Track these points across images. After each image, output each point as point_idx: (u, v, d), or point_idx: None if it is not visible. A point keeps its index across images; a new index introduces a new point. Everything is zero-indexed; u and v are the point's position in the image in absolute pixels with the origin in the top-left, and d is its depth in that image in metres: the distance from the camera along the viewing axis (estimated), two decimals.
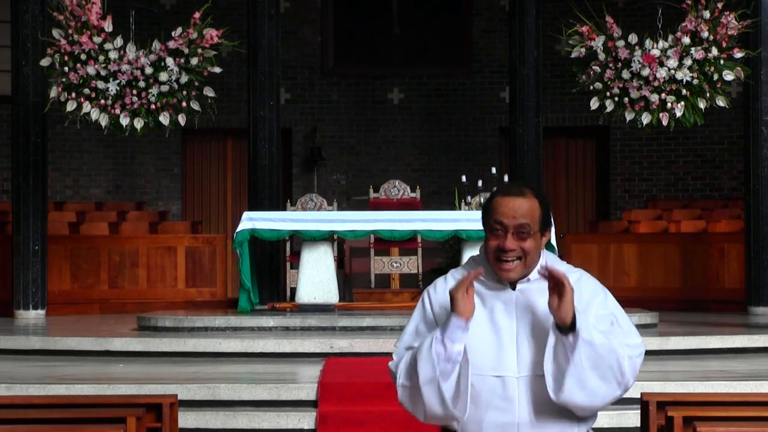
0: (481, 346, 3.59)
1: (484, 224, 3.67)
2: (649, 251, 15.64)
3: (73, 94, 11.80)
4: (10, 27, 14.16)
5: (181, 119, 11.93)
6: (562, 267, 3.69)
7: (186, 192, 18.49)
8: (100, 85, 11.78)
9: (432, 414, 3.62)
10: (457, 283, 3.56)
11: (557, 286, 3.51)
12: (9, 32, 14.31)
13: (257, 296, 12.62)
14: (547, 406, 3.58)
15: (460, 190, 13.78)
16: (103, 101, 11.80)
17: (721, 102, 11.88)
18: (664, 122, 11.81)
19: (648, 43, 11.90)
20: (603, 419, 7.67)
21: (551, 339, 3.53)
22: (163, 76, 11.78)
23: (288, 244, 14.71)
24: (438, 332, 3.56)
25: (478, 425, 3.60)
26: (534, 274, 3.65)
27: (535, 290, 3.62)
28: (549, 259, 3.69)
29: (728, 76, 11.81)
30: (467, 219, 11.93)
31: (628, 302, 10.60)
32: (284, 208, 14.59)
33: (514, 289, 3.66)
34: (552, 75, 17.60)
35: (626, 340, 3.63)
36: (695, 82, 11.78)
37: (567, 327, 3.51)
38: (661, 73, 11.75)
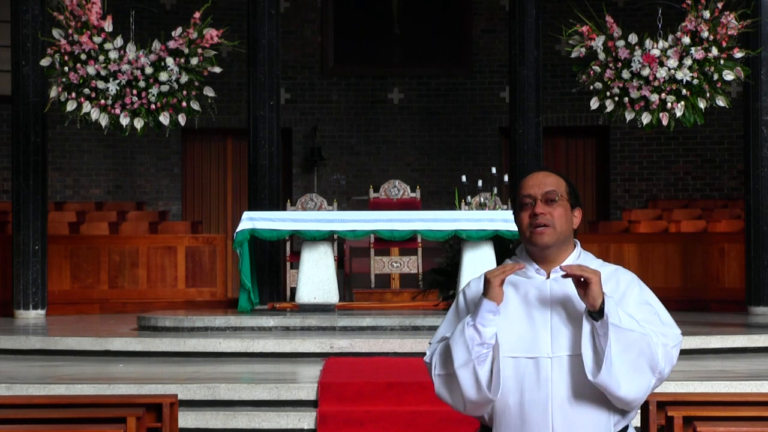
0: (515, 329, 3.63)
1: (515, 208, 3.75)
2: (649, 251, 15.64)
3: (73, 94, 11.80)
4: (10, 27, 14.16)
5: (181, 119, 11.93)
6: (594, 263, 3.74)
7: (186, 192, 18.49)
8: (100, 85, 11.78)
9: (468, 398, 3.63)
10: (495, 268, 3.61)
11: (580, 279, 3.56)
12: (9, 32, 14.31)
13: (257, 296, 12.62)
14: (581, 387, 3.59)
15: (460, 190, 13.78)
16: (103, 101, 11.80)
17: (721, 102, 11.88)
18: (664, 122, 11.81)
19: (648, 43, 11.90)
20: None
21: (586, 326, 3.57)
22: (163, 76, 11.78)
23: (288, 244, 14.71)
24: (469, 318, 3.61)
25: (512, 408, 3.62)
26: (566, 263, 3.70)
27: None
28: (582, 256, 3.75)
29: (728, 76, 11.81)
30: (467, 219, 11.92)
31: None
32: (284, 208, 14.59)
33: (547, 278, 3.70)
34: (552, 75, 17.60)
35: (663, 329, 3.66)
36: (695, 82, 11.78)
37: (597, 312, 3.55)
38: (661, 73, 11.75)
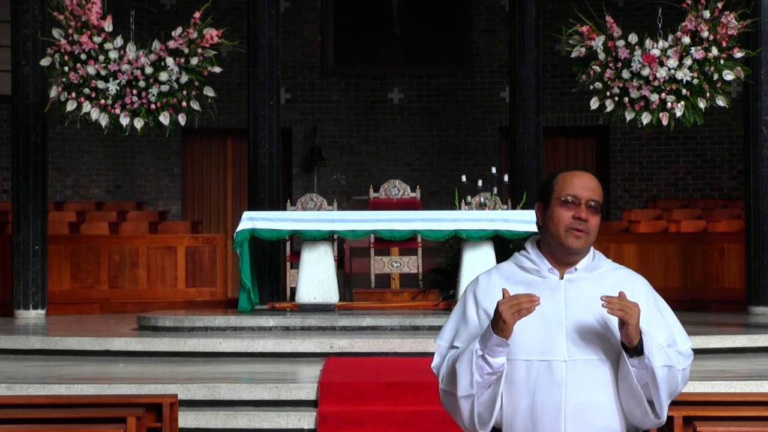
0: (529, 331, 3.57)
1: (548, 200, 3.66)
2: (649, 251, 15.64)
3: (73, 94, 11.80)
4: (10, 27, 14.16)
5: (181, 119, 11.93)
6: (606, 264, 3.71)
7: (186, 192, 18.49)
8: (100, 84, 11.78)
9: (465, 425, 3.63)
10: (510, 301, 3.50)
11: (620, 313, 3.50)
12: (9, 32, 14.31)
13: (257, 296, 12.62)
14: (595, 392, 3.57)
15: (460, 190, 13.77)
16: (103, 101, 11.80)
17: (721, 102, 11.88)
18: (664, 122, 11.81)
19: (648, 43, 11.90)
20: None
21: (623, 357, 3.54)
22: (163, 76, 11.78)
23: (288, 244, 14.71)
24: (478, 346, 3.54)
25: (524, 411, 3.58)
26: (581, 264, 3.67)
27: (583, 279, 3.63)
28: (596, 256, 3.71)
29: (728, 76, 11.81)
30: (467, 219, 11.92)
31: None
32: (284, 208, 14.59)
33: (561, 278, 3.66)
34: (552, 75, 17.60)
35: (679, 347, 3.66)
36: (695, 81, 11.78)
37: (633, 348, 3.53)
38: (661, 72, 11.75)
